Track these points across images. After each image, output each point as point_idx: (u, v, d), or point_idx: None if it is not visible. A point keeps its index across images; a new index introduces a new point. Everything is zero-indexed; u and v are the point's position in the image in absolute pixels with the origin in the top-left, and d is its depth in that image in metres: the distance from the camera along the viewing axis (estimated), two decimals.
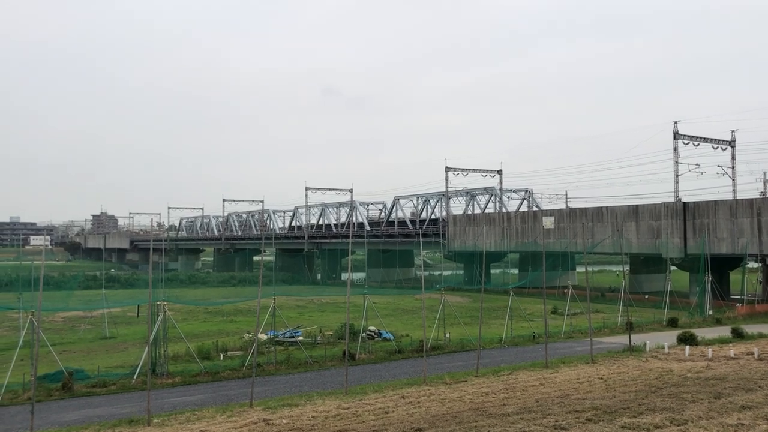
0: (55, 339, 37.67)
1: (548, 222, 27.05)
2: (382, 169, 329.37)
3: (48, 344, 29.50)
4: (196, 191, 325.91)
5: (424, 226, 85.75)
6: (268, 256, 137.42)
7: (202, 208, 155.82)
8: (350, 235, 33.64)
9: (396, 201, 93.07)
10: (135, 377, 25.21)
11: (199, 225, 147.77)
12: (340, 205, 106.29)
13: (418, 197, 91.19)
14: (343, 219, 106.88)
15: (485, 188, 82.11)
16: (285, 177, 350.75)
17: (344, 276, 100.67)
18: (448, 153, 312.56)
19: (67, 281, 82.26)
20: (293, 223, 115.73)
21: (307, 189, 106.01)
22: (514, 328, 37.45)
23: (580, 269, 75.65)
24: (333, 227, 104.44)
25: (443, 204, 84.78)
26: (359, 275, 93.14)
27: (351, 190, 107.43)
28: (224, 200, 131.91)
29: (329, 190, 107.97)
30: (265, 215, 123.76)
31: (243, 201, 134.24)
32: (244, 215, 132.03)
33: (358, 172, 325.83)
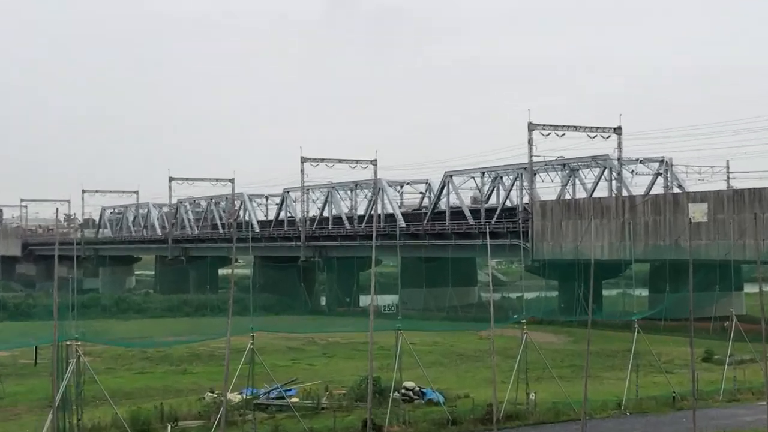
0: None
1: (698, 212, 26.81)
2: (421, 130, 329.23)
3: None
4: (128, 168, 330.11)
5: (494, 220, 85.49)
6: (242, 268, 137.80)
7: (136, 193, 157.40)
8: (374, 233, 33.66)
9: (447, 179, 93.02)
10: None
11: (131, 219, 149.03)
12: (356, 185, 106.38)
13: (483, 173, 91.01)
14: (361, 209, 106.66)
15: (594, 157, 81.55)
16: (268, 145, 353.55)
17: (364, 300, 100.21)
18: (528, 100, 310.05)
19: None
20: (282, 215, 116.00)
21: (303, 161, 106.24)
22: (641, 384, 37.46)
23: (750, 289, 74.74)
24: (346, 221, 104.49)
25: (524, 183, 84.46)
26: (388, 299, 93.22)
27: (374, 163, 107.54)
28: (171, 179, 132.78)
29: (339, 161, 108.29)
30: (238, 202, 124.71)
31: (202, 180, 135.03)
32: (204, 203, 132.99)
33: (383, 137, 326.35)
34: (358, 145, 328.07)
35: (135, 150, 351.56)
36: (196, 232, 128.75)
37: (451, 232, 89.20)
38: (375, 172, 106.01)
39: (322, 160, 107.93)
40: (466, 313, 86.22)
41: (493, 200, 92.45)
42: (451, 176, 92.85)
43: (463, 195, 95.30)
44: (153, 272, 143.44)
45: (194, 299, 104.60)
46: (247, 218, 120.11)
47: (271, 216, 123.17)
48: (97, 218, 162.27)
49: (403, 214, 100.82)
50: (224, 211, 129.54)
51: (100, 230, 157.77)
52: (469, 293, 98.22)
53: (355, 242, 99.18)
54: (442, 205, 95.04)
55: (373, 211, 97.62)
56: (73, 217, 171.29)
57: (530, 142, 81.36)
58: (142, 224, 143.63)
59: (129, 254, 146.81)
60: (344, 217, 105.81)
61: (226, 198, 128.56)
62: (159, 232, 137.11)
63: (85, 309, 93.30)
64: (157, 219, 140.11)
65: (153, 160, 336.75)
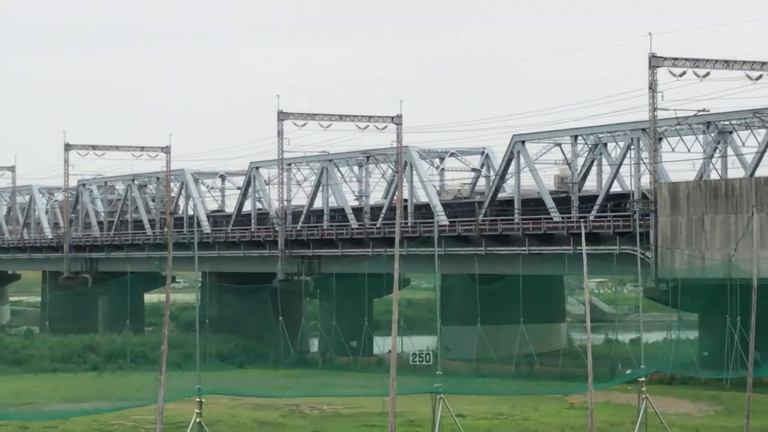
0: None
1: None
2: (469, 62, 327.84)
3: None
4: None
5: (593, 213, 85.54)
6: (183, 293, 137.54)
7: (11, 169, 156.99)
8: (397, 236, 33.41)
9: (517, 146, 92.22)
10: None
11: (5, 212, 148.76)
12: (368, 157, 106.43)
13: (575, 137, 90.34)
14: (377, 195, 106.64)
15: (757, 112, 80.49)
16: (224, 90, 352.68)
17: (381, 344, 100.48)
18: (646, 22, 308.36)
19: None
20: (248, 207, 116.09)
21: (281, 117, 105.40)
22: None
23: None
24: (351, 216, 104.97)
25: (641, 154, 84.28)
26: (422, 342, 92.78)
27: (397, 120, 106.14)
28: (69, 148, 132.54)
29: (340, 118, 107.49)
30: (176, 185, 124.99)
31: (117, 149, 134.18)
32: (121, 186, 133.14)
33: (409, 74, 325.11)
34: (366, 91, 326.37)
35: (6, 99, 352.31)
36: (109, 233, 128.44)
37: (524, 234, 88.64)
38: (399, 136, 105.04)
39: (313, 116, 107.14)
40: (549, 365, 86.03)
41: (591, 181, 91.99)
42: (523, 142, 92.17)
43: (542, 173, 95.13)
44: (39, 299, 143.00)
45: (106, 343, 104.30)
46: (190, 211, 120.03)
47: (230, 208, 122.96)
48: None
49: (445, 205, 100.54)
50: (153, 200, 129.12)
51: None
52: (553, 334, 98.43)
53: (366, 250, 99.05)
54: (509, 189, 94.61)
55: (395, 200, 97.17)
56: None
57: (653, 86, 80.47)
58: (22, 220, 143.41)
59: (0, 269, 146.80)
60: (348, 209, 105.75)
61: (158, 178, 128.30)
62: (48, 232, 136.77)
63: None
64: (46, 212, 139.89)
65: (39, 117, 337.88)
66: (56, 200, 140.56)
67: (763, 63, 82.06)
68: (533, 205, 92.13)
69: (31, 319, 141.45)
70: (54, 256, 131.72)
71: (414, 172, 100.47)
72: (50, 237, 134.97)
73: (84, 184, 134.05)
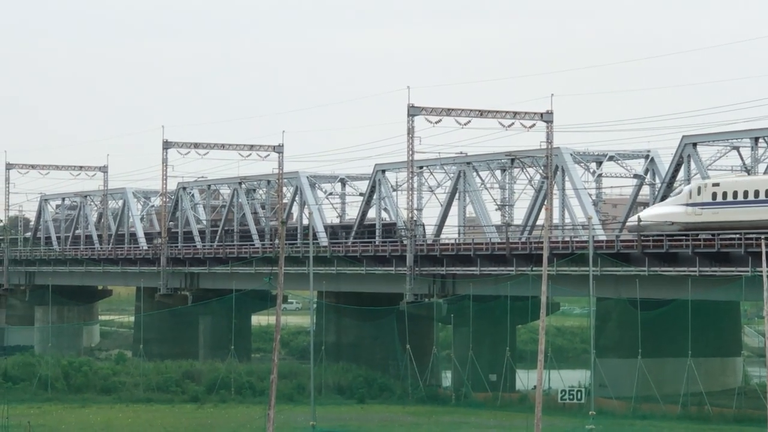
0: None
1: None
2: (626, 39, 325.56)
3: None
4: (87, 127, 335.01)
5: None
6: (296, 315, 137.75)
7: (103, 170, 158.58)
8: (545, 252, 33.29)
9: (686, 150, 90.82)
10: None
11: (95, 219, 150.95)
12: (512, 160, 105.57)
13: (756, 139, 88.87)
14: (522, 205, 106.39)
15: None
16: (347, 80, 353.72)
17: (525, 378, 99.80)
18: None
19: None
20: (372, 216, 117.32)
21: (412, 113, 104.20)
22: None
23: None
24: (491, 228, 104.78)
25: None
26: (572, 377, 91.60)
27: (546, 117, 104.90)
28: (168, 145, 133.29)
29: (480, 114, 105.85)
30: (290, 188, 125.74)
31: (222, 148, 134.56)
32: (226, 190, 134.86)
33: (564, 59, 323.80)
34: (511, 82, 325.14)
35: (99, 90, 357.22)
36: (212, 244, 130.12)
37: (694, 253, 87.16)
38: (549, 135, 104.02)
39: (449, 111, 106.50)
40: (721, 406, 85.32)
41: None
42: (695, 145, 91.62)
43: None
44: (132, 318, 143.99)
45: (207, 371, 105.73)
46: (305, 220, 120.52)
47: (351, 217, 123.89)
48: (32, 217, 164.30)
49: (602, 219, 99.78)
50: (263, 207, 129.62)
51: (39, 237, 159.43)
52: (727, 369, 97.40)
53: (509, 268, 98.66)
54: None
55: (544, 210, 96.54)
56: None
57: None
58: (114, 228, 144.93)
59: (89, 284, 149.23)
60: (486, 220, 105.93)
61: (268, 182, 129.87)
62: (144, 242, 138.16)
63: (11, 385, 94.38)
64: (141, 219, 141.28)
65: (135, 111, 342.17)
66: (153, 206, 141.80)
67: None
68: None
69: (123, 342, 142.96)
70: (149, 269, 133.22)
71: (566, 178, 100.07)
72: (145, 248, 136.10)
73: (184, 188, 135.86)
